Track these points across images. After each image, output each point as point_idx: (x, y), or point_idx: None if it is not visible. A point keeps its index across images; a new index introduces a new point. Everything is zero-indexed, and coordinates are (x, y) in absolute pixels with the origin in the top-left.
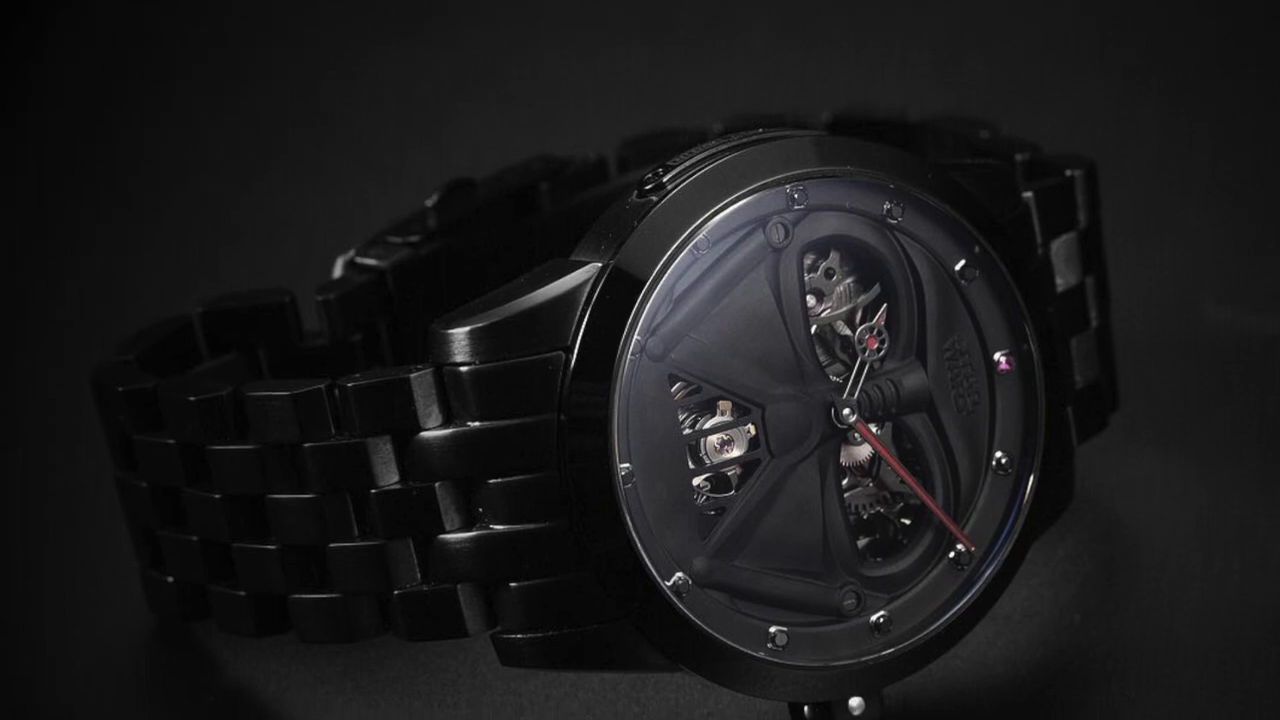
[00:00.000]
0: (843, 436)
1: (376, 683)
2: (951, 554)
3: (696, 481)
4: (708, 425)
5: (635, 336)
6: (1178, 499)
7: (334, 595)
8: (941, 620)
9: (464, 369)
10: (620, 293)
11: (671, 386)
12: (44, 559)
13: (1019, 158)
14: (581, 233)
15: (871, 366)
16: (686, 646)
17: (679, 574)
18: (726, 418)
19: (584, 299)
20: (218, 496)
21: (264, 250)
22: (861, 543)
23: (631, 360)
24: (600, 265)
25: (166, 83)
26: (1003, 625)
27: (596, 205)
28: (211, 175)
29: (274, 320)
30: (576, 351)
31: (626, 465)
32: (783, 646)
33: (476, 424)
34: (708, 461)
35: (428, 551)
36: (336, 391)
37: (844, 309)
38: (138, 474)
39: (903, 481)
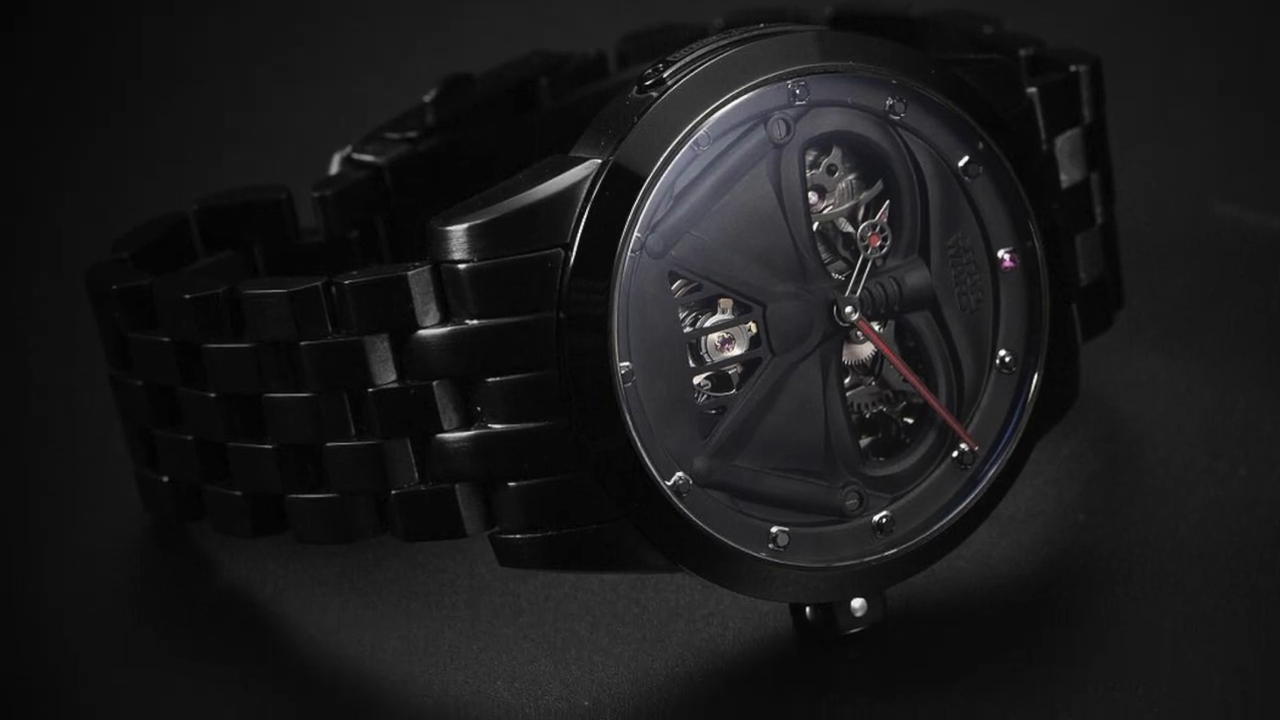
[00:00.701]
0: (845, 334)
1: (374, 584)
2: (955, 453)
3: (697, 380)
4: (708, 323)
5: (635, 233)
6: (1182, 398)
7: (331, 495)
8: (945, 520)
9: (462, 266)
10: (620, 189)
11: (672, 284)
12: (38, 459)
13: (1023, 53)
14: (581, 129)
15: (874, 264)
16: (687, 547)
17: (679, 473)
18: (727, 315)
19: (583, 195)
20: (213, 395)
21: (260, 148)
22: (864, 442)
23: (631, 257)
24: (600, 161)
25: None
26: (1006, 525)
27: (596, 101)
28: (209, 73)
29: (270, 217)
30: (576, 248)
31: (626, 364)
32: (784, 547)
33: (475, 322)
34: (708, 360)
35: (425, 451)
36: (333, 289)
37: (846, 206)
38: (133, 373)
39: (905, 380)
